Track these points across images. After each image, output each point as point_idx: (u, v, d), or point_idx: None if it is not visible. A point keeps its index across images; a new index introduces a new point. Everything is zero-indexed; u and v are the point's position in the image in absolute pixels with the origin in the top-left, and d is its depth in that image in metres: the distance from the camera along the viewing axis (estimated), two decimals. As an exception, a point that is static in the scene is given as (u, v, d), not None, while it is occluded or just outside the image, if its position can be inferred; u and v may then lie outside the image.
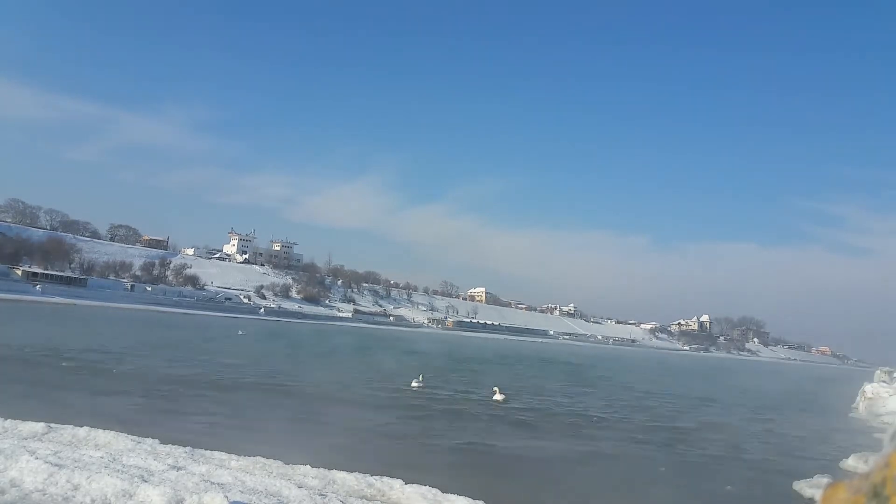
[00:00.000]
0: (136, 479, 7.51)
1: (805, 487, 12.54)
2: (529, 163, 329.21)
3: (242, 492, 7.71)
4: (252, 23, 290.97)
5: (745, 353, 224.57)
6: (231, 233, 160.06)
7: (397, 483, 9.10)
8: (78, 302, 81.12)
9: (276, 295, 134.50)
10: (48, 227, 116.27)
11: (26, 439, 9.63)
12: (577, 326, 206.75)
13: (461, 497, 8.75)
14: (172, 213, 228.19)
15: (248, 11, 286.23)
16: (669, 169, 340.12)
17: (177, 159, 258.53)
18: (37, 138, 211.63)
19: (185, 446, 10.18)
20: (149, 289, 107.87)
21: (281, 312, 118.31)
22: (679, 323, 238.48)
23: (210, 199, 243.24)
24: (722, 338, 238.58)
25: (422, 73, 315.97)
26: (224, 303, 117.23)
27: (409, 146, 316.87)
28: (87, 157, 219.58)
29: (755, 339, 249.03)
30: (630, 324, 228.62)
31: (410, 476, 9.56)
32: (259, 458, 9.83)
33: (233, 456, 9.86)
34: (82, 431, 10.49)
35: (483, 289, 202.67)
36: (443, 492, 8.85)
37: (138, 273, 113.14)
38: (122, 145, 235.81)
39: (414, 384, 24.32)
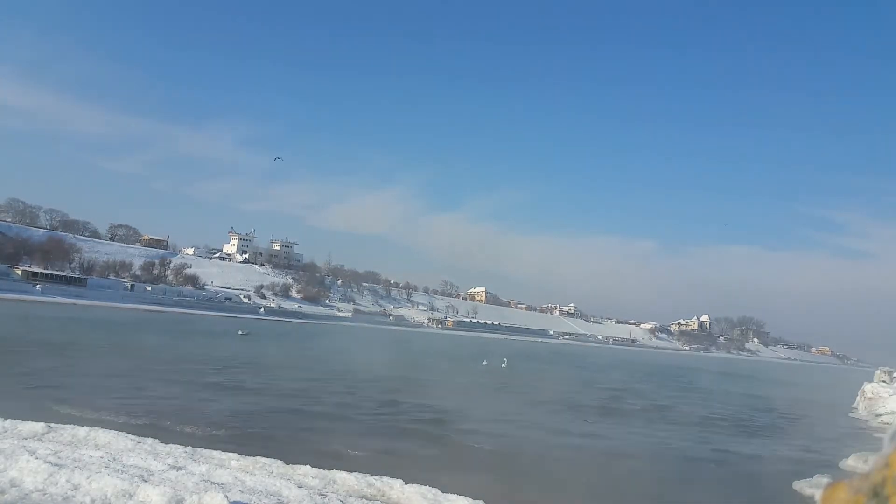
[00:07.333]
0: (136, 479, 7.50)
1: (805, 487, 12.54)
2: (544, 172, 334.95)
3: (242, 492, 7.71)
4: (304, 29, 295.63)
5: (745, 353, 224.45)
6: (231, 232, 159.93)
7: (397, 483, 9.09)
8: (78, 302, 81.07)
9: (276, 295, 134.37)
10: (48, 227, 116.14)
11: (26, 439, 9.62)
12: (577, 326, 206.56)
13: (461, 497, 8.74)
14: (203, 221, 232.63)
15: (300, 19, 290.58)
16: (677, 174, 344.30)
17: (213, 170, 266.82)
18: (87, 152, 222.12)
19: (185, 446, 10.17)
20: (148, 288, 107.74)
21: (281, 312, 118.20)
22: (679, 323, 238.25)
23: (237, 206, 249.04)
24: (722, 338, 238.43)
25: (447, 77, 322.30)
26: (224, 302, 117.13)
27: (433, 159, 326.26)
28: (129, 169, 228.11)
29: (755, 339, 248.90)
30: (630, 324, 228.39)
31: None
32: (259, 458, 9.81)
33: (233, 456, 9.85)
34: (82, 431, 10.48)
35: (483, 289, 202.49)
36: (443, 491, 8.84)
37: (138, 273, 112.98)
38: (165, 158, 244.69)
39: None
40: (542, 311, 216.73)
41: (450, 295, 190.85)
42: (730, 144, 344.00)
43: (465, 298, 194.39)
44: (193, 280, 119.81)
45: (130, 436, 10.45)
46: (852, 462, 15.39)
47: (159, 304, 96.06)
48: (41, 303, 74.04)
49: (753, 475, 14.33)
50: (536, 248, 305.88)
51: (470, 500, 8.71)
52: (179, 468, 8.53)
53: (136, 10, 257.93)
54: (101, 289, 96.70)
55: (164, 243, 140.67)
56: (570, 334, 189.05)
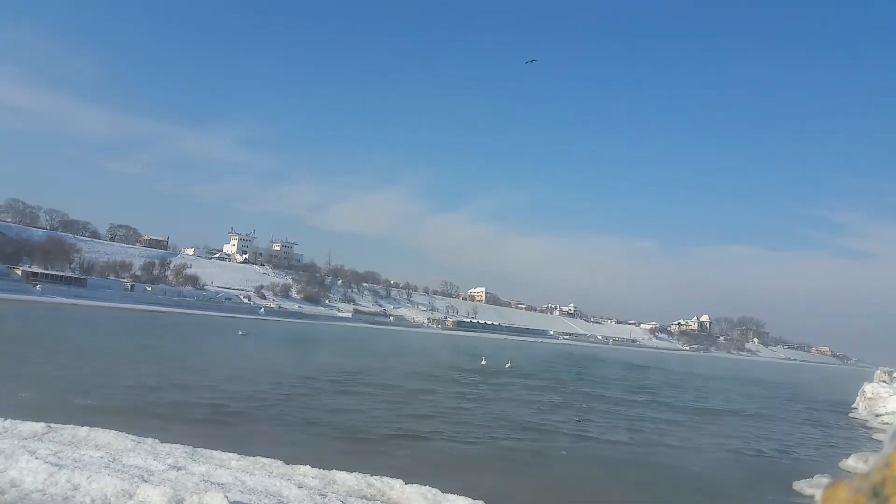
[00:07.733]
0: (136, 479, 7.50)
1: (805, 487, 12.54)
2: (544, 172, 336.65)
3: (242, 492, 7.71)
4: (304, 29, 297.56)
5: (745, 353, 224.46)
6: (231, 232, 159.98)
7: (397, 483, 9.08)
8: (78, 302, 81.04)
9: (276, 295, 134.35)
10: (48, 227, 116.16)
11: (26, 439, 9.61)
12: (577, 326, 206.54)
13: (461, 497, 8.73)
14: (203, 221, 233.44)
15: (302, 19, 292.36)
16: (679, 175, 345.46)
17: (213, 170, 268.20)
18: (87, 152, 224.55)
19: (185, 445, 10.16)
20: (148, 289, 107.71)
21: (281, 312, 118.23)
22: (679, 323, 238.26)
23: (237, 206, 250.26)
24: (722, 338, 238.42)
25: (447, 77, 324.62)
26: (224, 303, 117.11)
27: (434, 159, 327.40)
28: (130, 169, 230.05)
29: (755, 339, 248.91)
30: (630, 324, 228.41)
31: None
32: (259, 458, 9.81)
33: (233, 456, 9.85)
34: (82, 431, 10.47)
35: (483, 289, 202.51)
36: (442, 492, 8.83)
37: (138, 273, 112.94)
38: (165, 158, 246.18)
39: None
40: (542, 311, 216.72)
41: (450, 295, 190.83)
42: (730, 144, 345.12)
43: (465, 298, 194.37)
44: (193, 280, 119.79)
45: (130, 436, 10.44)
46: (852, 462, 15.40)
47: (159, 304, 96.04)
48: (41, 303, 74.03)
49: (753, 475, 14.32)
50: (536, 248, 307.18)
51: (470, 500, 8.70)
52: (179, 468, 8.52)
53: (136, 10, 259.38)
54: (101, 289, 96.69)
55: (164, 243, 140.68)
56: (570, 334, 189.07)
